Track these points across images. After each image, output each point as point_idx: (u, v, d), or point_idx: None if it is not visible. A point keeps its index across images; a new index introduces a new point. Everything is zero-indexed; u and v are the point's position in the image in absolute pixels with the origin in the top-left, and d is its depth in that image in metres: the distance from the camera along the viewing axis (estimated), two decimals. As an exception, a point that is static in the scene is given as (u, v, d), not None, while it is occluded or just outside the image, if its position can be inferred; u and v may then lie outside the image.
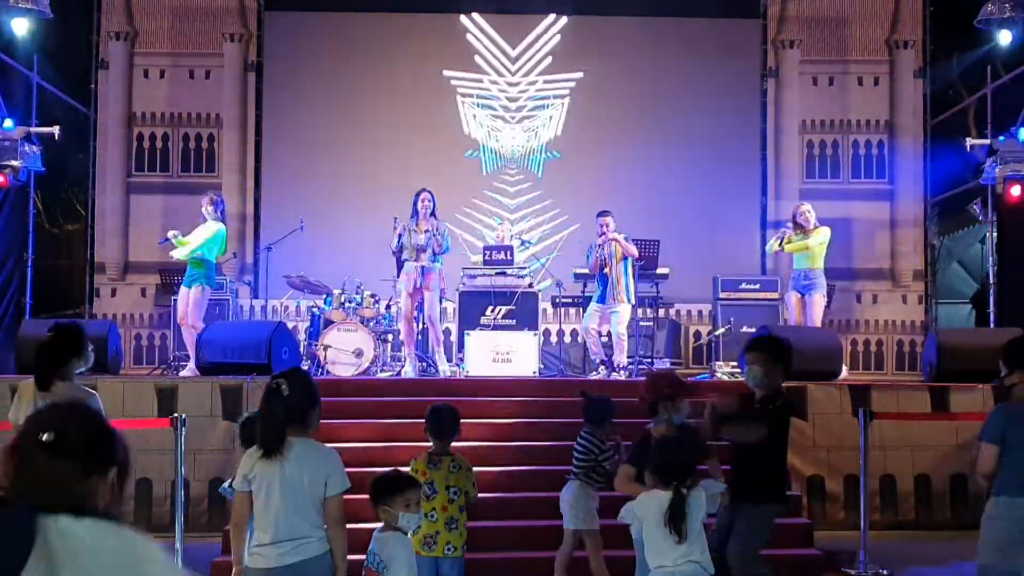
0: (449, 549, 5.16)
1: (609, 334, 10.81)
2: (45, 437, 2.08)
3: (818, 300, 10.65)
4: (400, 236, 10.46)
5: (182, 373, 10.29)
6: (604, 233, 10.79)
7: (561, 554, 6.13)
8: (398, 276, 10.93)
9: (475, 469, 5.57)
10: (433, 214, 10.41)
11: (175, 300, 11.87)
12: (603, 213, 11.00)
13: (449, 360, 11.62)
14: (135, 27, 13.98)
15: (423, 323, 10.76)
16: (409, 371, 10.46)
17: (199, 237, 10.05)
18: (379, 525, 4.49)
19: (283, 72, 14.20)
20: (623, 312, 10.70)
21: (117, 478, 2.17)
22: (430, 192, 10.48)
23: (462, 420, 5.62)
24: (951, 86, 14.02)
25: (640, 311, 11.45)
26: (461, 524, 5.27)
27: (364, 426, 8.32)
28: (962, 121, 13.59)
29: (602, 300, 10.76)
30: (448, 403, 5.71)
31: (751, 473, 5.11)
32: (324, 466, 3.99)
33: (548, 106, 14.34)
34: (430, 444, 5.50)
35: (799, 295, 10.71)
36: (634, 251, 10.79)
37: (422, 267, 10.37)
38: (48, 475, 2.07)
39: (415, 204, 10.44)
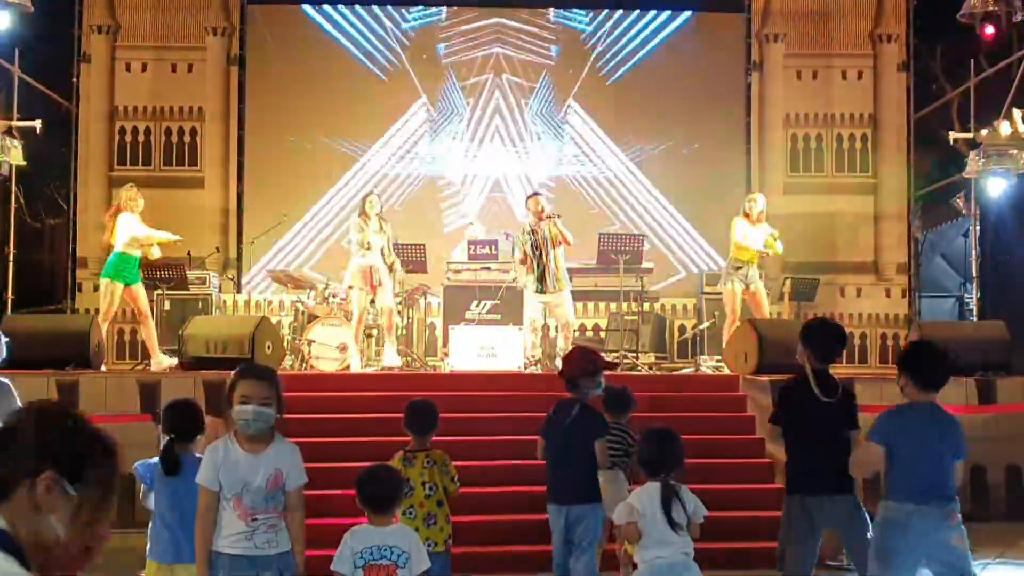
0: (429, 545, 5.12)
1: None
2: None
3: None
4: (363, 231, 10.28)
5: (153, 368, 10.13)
6: (540, 215, 10.31)
7: None
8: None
9: (460, 463, 5.54)
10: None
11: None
12: (537, 193, 10.75)
13: (434, 355, 11.62)
14: (117, 20, 13.86)
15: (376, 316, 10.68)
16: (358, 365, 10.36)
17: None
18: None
19: (266, 66, 14.12)
20: (569, 299, 10.50)
21: None
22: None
23: (446, 415, 5.60)
24: (934, 80, 14.05)
25: (625, 305, 11.43)
26: (441, 519, 5.23)
27: (347, 421, 8.29)
28: (945, 115, 13.63)
29: (543, 290, 10.33)
30: (428, 397, 5.68)
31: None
32: None
33: (530, 103, 14.29)
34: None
35: (745, 287, 10.52)
36: (570, 237, 10.36)
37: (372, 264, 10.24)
38: None
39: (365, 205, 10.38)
